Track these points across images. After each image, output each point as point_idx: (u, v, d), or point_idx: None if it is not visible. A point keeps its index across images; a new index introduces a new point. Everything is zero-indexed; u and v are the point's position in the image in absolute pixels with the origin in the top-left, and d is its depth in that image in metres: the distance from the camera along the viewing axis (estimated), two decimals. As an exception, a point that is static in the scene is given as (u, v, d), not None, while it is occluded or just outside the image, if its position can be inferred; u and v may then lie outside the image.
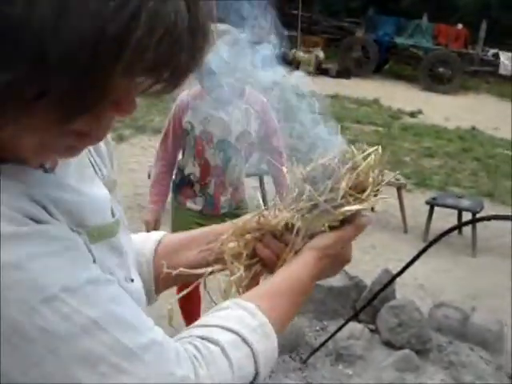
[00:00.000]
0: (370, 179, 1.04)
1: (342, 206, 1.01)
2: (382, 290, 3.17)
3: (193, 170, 3.17)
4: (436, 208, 5.99)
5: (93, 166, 0.90)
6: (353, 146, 1.09)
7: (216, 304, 0.98)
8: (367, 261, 5.27)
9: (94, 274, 0.68)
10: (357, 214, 1.04)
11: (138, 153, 7.61)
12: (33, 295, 0.61)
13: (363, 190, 1.03)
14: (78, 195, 0.78)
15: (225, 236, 1.06)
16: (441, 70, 15.84)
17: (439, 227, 5.73)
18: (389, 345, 3.71)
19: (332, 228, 1.02)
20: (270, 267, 1.05)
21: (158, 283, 1.10)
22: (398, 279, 3.31)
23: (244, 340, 0.80)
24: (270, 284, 0.96)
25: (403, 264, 3.04)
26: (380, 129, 10.74)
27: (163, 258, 1.08)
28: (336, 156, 1.06)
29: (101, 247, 0.79)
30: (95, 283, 0.67)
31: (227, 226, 1.08)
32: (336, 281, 4.02)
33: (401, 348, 3.65)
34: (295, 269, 0.97)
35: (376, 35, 17.08)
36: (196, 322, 0.84)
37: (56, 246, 0.65)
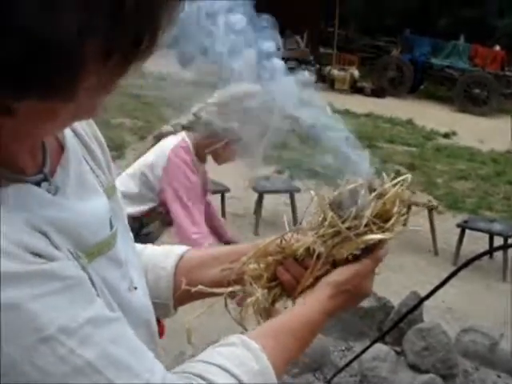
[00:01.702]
0: (396, 209, 1.03)
1: (364, 234, 1.00)
2: (409, 312, 3.14)
3: None
4: (467, 231, 5.93)
5: (93, 171, 0.90)
6: (384, 173, 1.07)
7: (236, 321, 1.01)
8: (395, 282, 5.23)
9: (94, 312, 0.68)
10: (378, 244, 1.02)
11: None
12: (31, 335, 0.61)
13: (388, 219, 1.02)
14: (77, 214, 0.78)
15: (246, 257, 1.06)
16: (476, 91, 15.72)
17: (470, 250, 5.69)
18: (414, 368, 3.67)
19: (353, 256, 1.01)
20: (289, 291, 1.05)
21: (177, 298, 1.10)
22: (426, 302, 3.28)
23: None
24: (280, 322, 0.94)
25: (431, 287, 3.00)
26: (413, 149, 10.69)
27: (184, 273, 1.09)
28: (364, 181, 1.04)
29: (99, 262, 0.80)
30: (94, 323, 0.67)
31: (250, 247, 1.08)
32: (363, 301, 4.00)
33: (426, 372, 3.61)
34: (308, 307, 0.96)
35: (412, 55, 17.04)
36: (200, 356, 0.82)
37: (57, 284, 0.65)
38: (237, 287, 1.05)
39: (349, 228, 1.00)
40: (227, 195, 5.93)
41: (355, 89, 15.90)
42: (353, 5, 18.48)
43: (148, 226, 2.74)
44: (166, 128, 2.83)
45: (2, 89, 0.60)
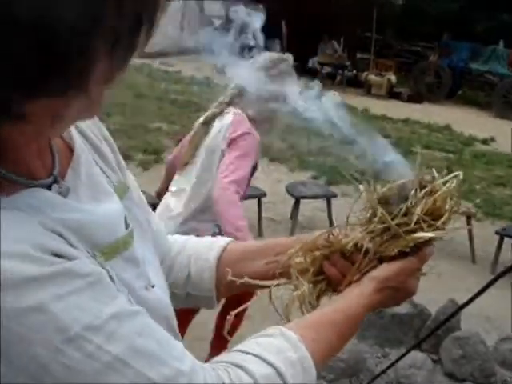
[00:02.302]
0: (447, 206, 1.01)
1: (414, 231, 0.98)
2: (447, 320, 3.12)
3: None
4: (506, 239, 5.85)
5: (103, 172, 0.90)
6: (434, 170, 1.06)
7: (281, 316, 1.01)
8: (432, 289, 5.16)
9: (117, 307, 0.68)
10: (426, 242, 1.00)
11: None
12: (56, 336, 0.63)
13: (438, 217, 0.99)
14: (91, 214, 0.78)
15: (293, 250, 1.05)
16: (516, 97, 15.50)
17: (508, 258, 5.61)
18: (451, 376, 3.65)
19: (402, 253, 0.99)
20: (335, 286, 1.04)
21: (221, 290, 1.11)
22: (463, 309, 3.25)
23: (280, 374, 0.79)
24: (321, 314, 0.95)
25: (469, 294, 2.99)
26: (451, 155, 10.58)
27: (228, 265, 1.08)
28: (414, 178, 1.03)
29: (116, 262, 0.80)
30: (118, 318, 0.67)
31: (296, 240, 1.07)
32: (400, 308, 3.98)
33: (463, 380, 3.58)
34: (350, 300, 0.96)
35: (450, 60, 16.86)
36: (237, 346, 0.83)
37: (79, 283, 0.66)
38: (282, 280, 1.05)
39: (398, 225, 0.98)
40: (264, 200, 5.95)
41: (392, 94, 15.79)
42: (390, 10, 18.36)
43: None
44: (212, 111, 2.93)
45: (16, 89, 0.61)
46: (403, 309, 3.98)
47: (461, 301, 3.32)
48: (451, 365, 3.66)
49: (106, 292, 0.69)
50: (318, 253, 1.04)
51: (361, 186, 1.04)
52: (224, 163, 2.76)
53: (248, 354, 0.80)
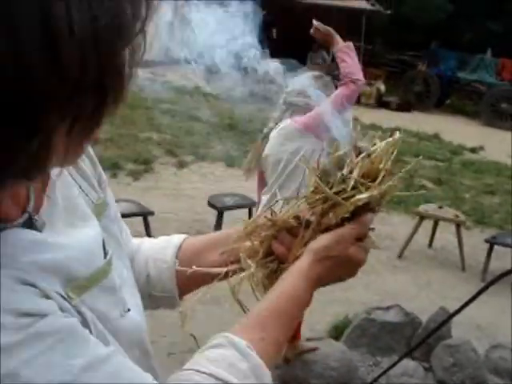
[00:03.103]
0: (381, 165, 0.98)
1: (353, 196, 0.95)
2: (438, 328, 3.13)
3: None
4: (495, 247, 5.89)
5: (82, 191, 0.89)
6: (373, 134, 1.03)
7: (234, 298, 1.00)
8: (423, 297, 5.21)
9: (89, 357, 0.68)
10: (367, 208, 0.97)
11: (197, 179, 7.74)
12: None
13: (377, 179, 0.97)
14: (67, 249, 0.76)
15: (237, 235, 1.03)
16: (504, 106, 15.60)
17: (498, 266, 5.64)
18: (443, 384, 3.66)
19: (344, 221, 0.96)
20: (285, 264, 1.01)
21: (181, 288, 1.10)
22: (454, 318, 3.25)
23: None
24: (265, 306, 0.92)
25: (459, 302, 2.99)
26: (440, 164, 10.63)
27: (185, 262, 1.07)
28: (352, 146, 1.00)
29: (91, 294, 0.79)
30: (91, 367, 0.67)
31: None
32: (391, 316, 4.00)
33: (455, 388, 3.60)
34: (290, 280, 0.93)
35: (438, 69, 16.98)
36: (189, 363, 0.82)
37: (49, 341, 0.65)
38: (233, 266, 1.03)
39: (337, 193, 0.96)
40: (254, 210, 5.96)
41: (381, 103, 15.87)
42: (379, 19, 18.47)
43: None
44: (269, 126, 3.49)
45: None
46: (394, 317, 4.00)
47: (451, 309, 3.33)
48: (442, 372, 3.68)
49: (77, 343, 0.68)
50: (263, 233, 1.02)
51: (301, 162, 1.03)
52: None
53: (200, 372, 0.80)
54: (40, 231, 0.75)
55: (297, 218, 1.00)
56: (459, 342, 3.77)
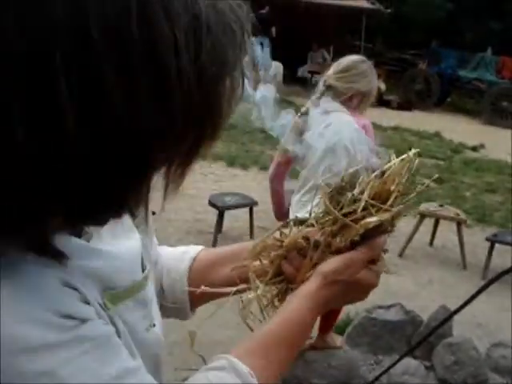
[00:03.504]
0: (393, 187, 0.94)
1: (363, 218, 0.92)
2: (439, 326, 3.13)
3: None
4: (496, 245, 5.89)
5: None
6: (392, 153, 0.99)
7: (242, 319, 0.98)
8: (424, 296, 5.21)
9: (121, 368, 0.69)
10: (378, 230, 0.94)
11: (198, 179, 7.73)
12: None
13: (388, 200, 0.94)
14: (111, 259, 0.78)
15: (247, 253, 1.02)
16: (504, 104, 15.59)
17: (499, 265, 5.64)
18: (444, 383, 3.65)
19: (355, 244, 0.94)
20: (294, 285, 0.99)
21: (193, 300, 1.09)
22: (455, 316, 3.25)
23: None
24: (269, 331, 0.90)
25: (460, 301, 2.99)
26: (441, 162, 10.63)
27: (198, 275, 1.08)
28: (365, 164, 0.98)
29: (125, 305, 0.80)
30: (120, 378, 0.68)
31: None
32: (391, 315, 4.00)
33: (456, 386, 3.59)
34: (296, 304, 0.92)
35: (439, 68, 16.98)
36: (189, 380, 0.83)
37: (88, 346, 0.66)
38: (242, 286, 1.01)
39: (347, 214, 0.93)
40: (255, 209, 5.96)
41: (382, 102, 15.85)
42: (379, 18, 18.47)
43: None
44: (307, 105, 3.39)
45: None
46: (395, 316, 3.99)
47: (452, 307, 3.33)
48: (444, 371, 3.67)
49: (111, 352, 0.70)
50: (274, 254, 1.00)
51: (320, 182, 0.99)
52: None
53: None
54: (87, 242, 0.76)
55: (306, 238, 0.97)
56: (460, 340, 3.77)
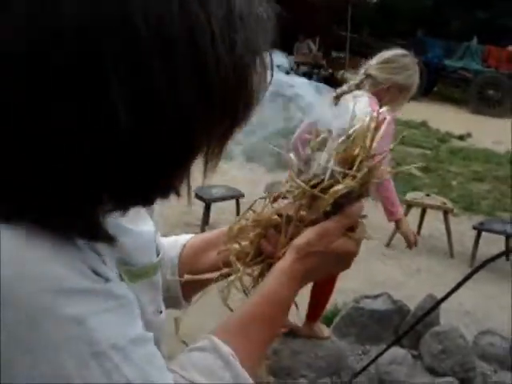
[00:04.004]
0: (357, 150, 0.90)
1: (331, 186, 0.89)
2: (425, 315, 3.13)
3: None
4: (483, 233, 5.90)
5: None
6: (359, 118, 0.94)
7: (223, 302, 0.98)
8: (411, 285, 5.22)
9: (137, 332, 0.72)
10: (350, 197, 0.90)
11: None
12: (86, 348, 0.65)
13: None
14: (130, 236, 0.81)
15: (227, 236, 1.01)
16: (490, 92, 15.66)
17: (486, 253, 5.65)
18: (432, 371, 3.66)
19: (327, 213, 0.91)
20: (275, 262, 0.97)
21: (185, 288, 1.10)
22: (443, 305, 3.25)
23: None
24: (249, 310, 0.89)
25: (448, 289, 3.00)
26: (428, 152, 10.65)
27: (187, 262, 1.09)
28: (331, 130, 0.93)
29: (139, 285, 0.82)
30: (136, 343, 0.70)
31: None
32: (378, 305, 4.00)
33: (444, 375, 3.60)
34: (274, 282, 0.90)
35: (425, 57, 16.98)
36: (175, 361, 0.83)
37: (113, 303, 0.69)
38: (225, 270, 1.00)
39: (316, 185, 0.90)
40: (242, 200, 5.94)
41: (368, 92, 15.87)
42: (365, 8, 18.46)
43: None
44: (342, 89, 3.46)
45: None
46: (382, 305, 3.99)
47: (440, 296, 3.32)
48: (431, 360, 3.68)
49: (131, 316, 0.73)
50: (252, 234, 0.98)
51: (290, 155, 0.97)
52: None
53: (182, 377, 0.80)
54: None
55: (280, 214, 0.95)
56: (447, 328, 3.77)
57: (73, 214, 0.67)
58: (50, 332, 0.64)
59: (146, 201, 0.73)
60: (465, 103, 16.31)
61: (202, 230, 5.61)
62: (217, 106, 0.66)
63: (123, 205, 0.71)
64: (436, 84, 17.87)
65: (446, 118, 13.91)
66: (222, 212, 6.18)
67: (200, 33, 0.62)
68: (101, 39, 0.59)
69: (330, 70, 17.15)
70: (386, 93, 3.34)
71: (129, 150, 0.63)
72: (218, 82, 0.65)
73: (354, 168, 0.89)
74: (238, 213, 5.87)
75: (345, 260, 0.95)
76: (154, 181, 0.68)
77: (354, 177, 0.89)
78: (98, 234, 0.70)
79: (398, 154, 9.49)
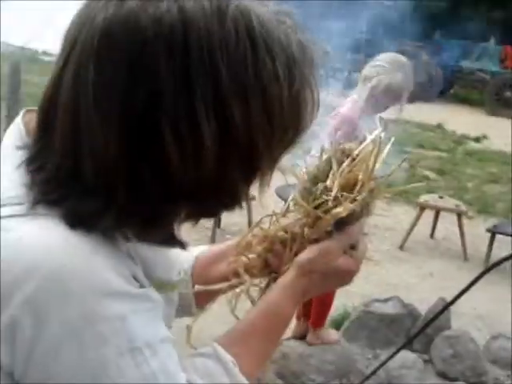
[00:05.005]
0: (360, 174, 0.94)
1: (334, 208, 0.93)
2: (434, 318, 3.09)
3: None
4: (498, 236, 5.83)
5: None
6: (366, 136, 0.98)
7: (232, 313, 1.04)
8: (425, 288, 5.17)
9: (165, 333, 0.81)
10: (351, 217, 0.95)
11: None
12: (125, 343, 0.74)
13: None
14: (155, 252, 0.88)
15: (236, 249, 1.06)
16: (508, 94, 15.51)
17: (500, 255, 5.57)
18: (443, 376, 3.62)
19: (330, 232, 0.95)
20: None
21: (197, 298, 1.14)
22: (455, 308, 3.22)
23: None
24: (250, 322, 0.95)
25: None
26: (443, 154, 10.58)
27: (200, 272, 1.14)
28: (338, 149, 0.98)
29: (161, 297, 0.88)
30: (164, 342, 0.79)
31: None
32: (389, 308, 3.96)
33: (455, 380, 3.56)
34: (276, 295, 0.96)
35: (441, 59, 16.87)
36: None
37: (149, 305, 0.79)
38: (234, 281, 1.05)
39: (319, 205, 0.94)
40: (253, 203, 5.92)
41: (384, 94, 15.81)
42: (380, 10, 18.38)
43: None
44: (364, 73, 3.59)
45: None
46: (393, 309, 3.96)
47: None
48: (442, 364, 3.64)
49: (160, 319, 0.81)
50: (259, 247, 1.03)
51: (298, 171, 1.02)
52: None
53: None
54: None
55: (286, 231, 1.01)
56: (459, 333, 3.73)
57: (160, 227, 0.80)
58: (97, 325, 0.73)
59: (214, 215, 0.88)
60: (481, 105, 16.17)
61: (213, 233, 5.60)
62: (277, 133, 0.77)
63: (196, 219, 0.83)
64: (452, 86, 17.74)
65: (462, 120, 13.79)
66: (233, 215, 6.15)
67: (268, 79, 0.75)
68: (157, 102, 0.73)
69: (347, 72, 17.10)
70: (376, 94, 3.54)
71: (213, 180, 0.76)
72: (279, 114, 0.76)
73: (356, 190, 0.94)
74: (249, 215, 5.84)
75: (345, 277, 1.01)
76: (225, 198, 0.81)
77: (354, 200, 0.93)
78: (175, 241, 0.84)
79: (414, 156, 9.43)
